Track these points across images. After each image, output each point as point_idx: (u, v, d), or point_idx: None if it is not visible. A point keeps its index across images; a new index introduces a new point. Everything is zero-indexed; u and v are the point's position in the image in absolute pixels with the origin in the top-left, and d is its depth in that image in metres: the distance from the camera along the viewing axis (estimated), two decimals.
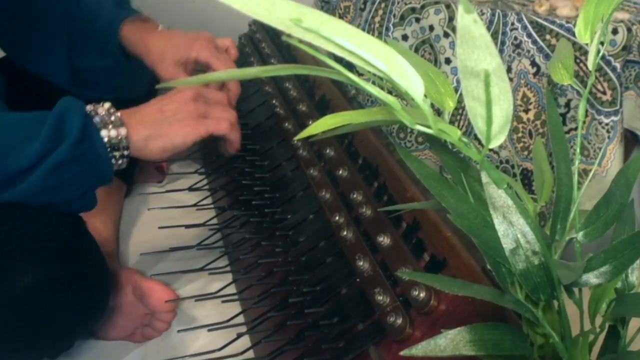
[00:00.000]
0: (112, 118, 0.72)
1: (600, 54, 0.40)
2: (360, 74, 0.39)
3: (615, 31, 0.83)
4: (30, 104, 0.69)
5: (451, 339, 0.38)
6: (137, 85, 1.02)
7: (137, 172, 1.17)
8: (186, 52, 0.94)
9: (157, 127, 0.76)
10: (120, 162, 0.73)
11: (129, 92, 1.02)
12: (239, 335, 0.72)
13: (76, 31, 0.97)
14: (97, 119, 0.71)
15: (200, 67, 1.01)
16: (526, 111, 0.89)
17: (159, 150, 0.76)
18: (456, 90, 0.33)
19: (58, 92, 0.99)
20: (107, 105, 0.73)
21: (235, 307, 0.79)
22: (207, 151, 1.09)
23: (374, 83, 0.30)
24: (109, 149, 0.71)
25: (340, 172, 0.80)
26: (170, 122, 0.77)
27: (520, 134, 0.90)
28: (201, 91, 0.83)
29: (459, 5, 0.27)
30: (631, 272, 0.43)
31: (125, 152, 0.73)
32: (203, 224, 0.90)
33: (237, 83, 0.97)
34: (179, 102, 0.79)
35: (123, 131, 0.72)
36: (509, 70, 0.90)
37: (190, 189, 0.94)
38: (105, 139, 0.70)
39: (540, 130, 0.88)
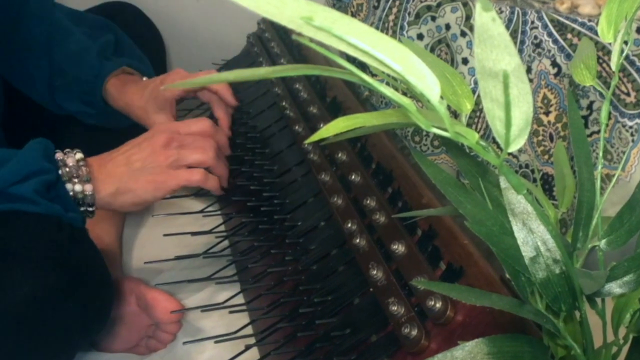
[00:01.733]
0: (80, 172, 0.71)
1: (624, 54, 0.40)
2: (373, 75, 0.38)
3: (639, 30, 0.81)
4: (29, 116, 0.69)
5: (468, 351, 0.38)
6: (121, 122, 1.01)
7: None
8: (162, 94, 0.93)
9: (123, 182, 0.74)
10: (86, 215, 0.72)
11: (113, 126, 1.03)
12: (247, 347, 0.71)
13: (57, 73, 0.97)
14: (63, 171, 0.69)
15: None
16: (547, 113, 0.88)
17: (129, 205, 0.75)
18: (474, 91, 0.33)
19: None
20: (78, 156, 0.72)
21: (243, 318, 0.78)
22: None
23: (388, 84, 0.30)
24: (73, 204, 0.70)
25: (353, 177, 0.80)
26: (137, 175, 0.75)
27: (540, 137, 0.89)
28: (175, 134, 0.79)
29: (476, 3, 0.27)
30: None
31: (90, 209, 0.72)
32: (210, 231, 0.89)
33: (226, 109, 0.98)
34: (147, 150, 0.76)
35: (89, 187, 0.71)
36: (528, 70, 0.88)
37: (197, 194, 0.93)
38: (70, 193, 0.70)
39: (562, 134, 0.87)
